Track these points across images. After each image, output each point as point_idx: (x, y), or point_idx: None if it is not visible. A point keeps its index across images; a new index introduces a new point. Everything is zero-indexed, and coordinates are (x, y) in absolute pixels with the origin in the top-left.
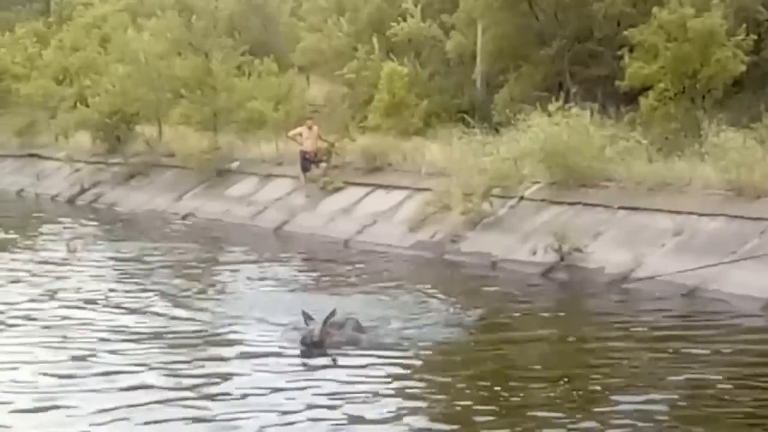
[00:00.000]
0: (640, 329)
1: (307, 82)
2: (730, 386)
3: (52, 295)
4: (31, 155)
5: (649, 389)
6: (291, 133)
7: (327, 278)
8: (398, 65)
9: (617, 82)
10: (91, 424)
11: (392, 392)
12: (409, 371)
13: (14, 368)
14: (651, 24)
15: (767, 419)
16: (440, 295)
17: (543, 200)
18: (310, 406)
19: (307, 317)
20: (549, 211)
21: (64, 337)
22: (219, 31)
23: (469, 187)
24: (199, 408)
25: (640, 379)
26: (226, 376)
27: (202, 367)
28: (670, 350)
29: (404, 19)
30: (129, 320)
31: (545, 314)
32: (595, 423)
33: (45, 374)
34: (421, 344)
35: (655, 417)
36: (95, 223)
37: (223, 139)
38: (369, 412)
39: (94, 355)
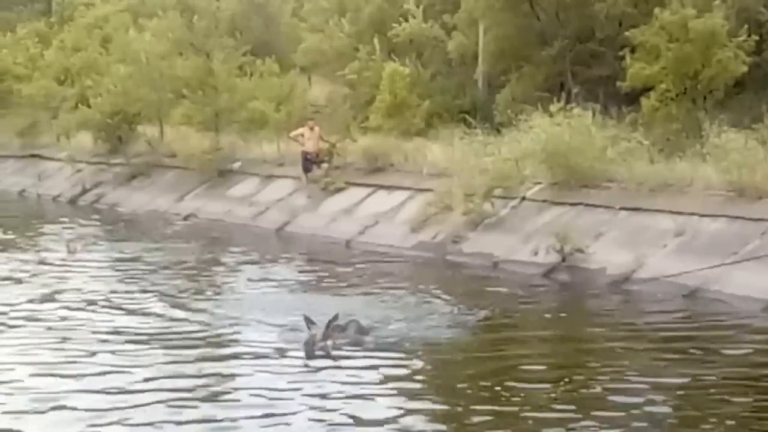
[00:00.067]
0: (642, 330)
1: (308, 83)
2: (731, 387)
3: (52, 295)
4: (33, 156)
5: (650, 390)
6: (292, 133)
7: (329, 279)
8: (400, 66)
9: (619, 83)
10: (91, 425)
11: (394, 393)
12: (410, 372)
13: (14, 369)
14: (652, 24)
15: None
16: (442, 296)
17: (544, 201)
18: (312, 408)
19: (309, 322)
20: (550, 212)
21: (64, 338)
22: (220, 32)
23: (471, 188)
24: (200, 409)
25: (641, 379)
26: (227, 377)
27: (203, 368)
28: (672, 351)
29: (406, 20)
30: (129, 321)
31: (547, 315)
32: (595, 423)
33: (45, 375)
34: (423, 345)
35: (656, 418)
36: (97, 223)
37: (224, 139)
38: (370, 412)
39: (94, 356)
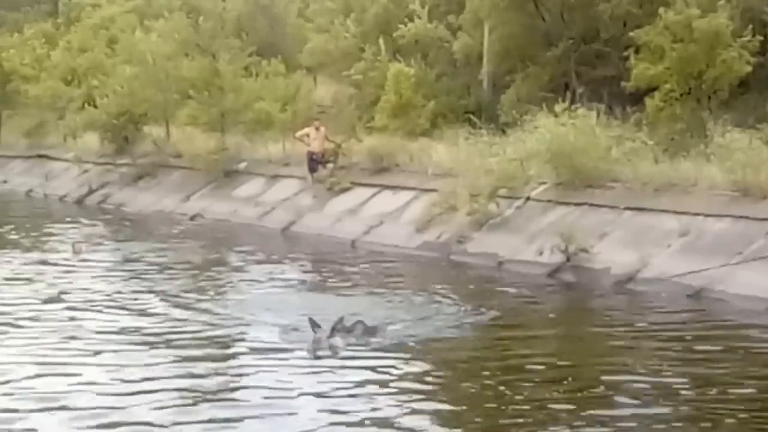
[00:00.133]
0: (646, 330)
1: (314, 83)
2: (736, 387)
3: (57, 295)
4: (40, 156)
5: (655, 390)
6: (298, 133)
7: (334, 279)
8: (405, 66)
9: (623, 83)
10: (97, 425)
11: (399, 392)
12: (415, 371)
13: (19, 368)
14: (657, 25)
15: None
16: (447, 296)
17: (549, 201)
18: (317, 407)
19: (314, 325)
20: (555, 212)
21: (69, 337)
22: (226, 32)
23: (476, 188)
24: (205, 409)
25: (645, 379)
26: (232, 377)
27: (209, 367)
28: (676, 351)
29: (411, 20)
30: (135, 321)
31: (551, 314)
32: (599, 423)
33: (49, 374)
34: (428, 345)
35: (660, 418)
36: (103, 223)
37: (230, 139)
38: (375, 412)
39: (99, 356)
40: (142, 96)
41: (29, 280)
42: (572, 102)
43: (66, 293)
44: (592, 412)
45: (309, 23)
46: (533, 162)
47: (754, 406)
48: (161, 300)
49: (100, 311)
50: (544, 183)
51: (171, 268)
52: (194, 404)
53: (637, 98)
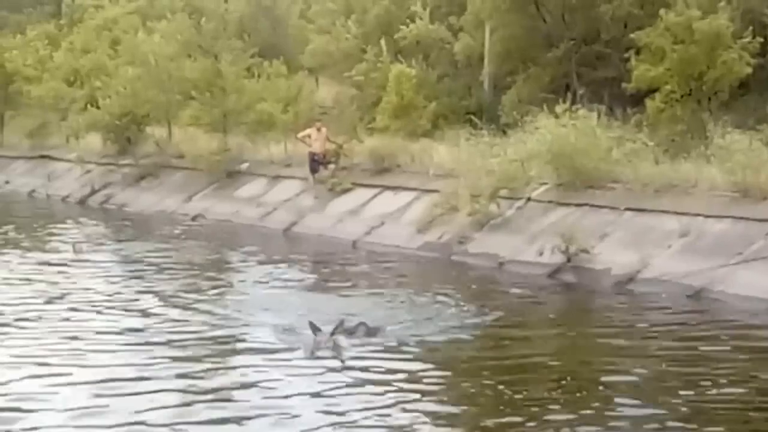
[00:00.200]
0: (646, 330)
1: (315, 84)
2: (736, 387)
3: (57, 295)
4: (43, 156)
5: (654, 390)
6: (300, 134)
7: (335, 279)
8: (406, 67)
9: (624, 84)
10: (98, 425)
11: (400, 393)
12: (416, 372)
13: (19, 368)
14: (657, 26)
15: None
16: (448, 296)
17: (550, 202)
18: (319, 408)
19: (315, 328)
20: (556, 213)
21: (69, 337)
22: (228, 34)
23: (477, 189)
24: (206, 409)
25: (644, 379)
26: (233, 378)
27: (210, 368)
28: (676, 351)
29: (412, 21)
30: (136, 321)
31: (552, 315)
32: (600, 423)
33: (49, 375)
34: (428, 345)
35: (660, 417)
36: (105, 224)
37: (232, 140)
38: (376, 413)
39: (99, 356)
40: (144, 97)
41: (30, 280)
42: (573, 103)
43: (67, 293)
44: (591, 412)
45: (311, 24)
46: (534, 163)
47: (754, 406)
48: (162, 300)
49: (100, 311)
50: (545, 184)
51: (172, 269)
52: (194, 405)
53: (637, 99)
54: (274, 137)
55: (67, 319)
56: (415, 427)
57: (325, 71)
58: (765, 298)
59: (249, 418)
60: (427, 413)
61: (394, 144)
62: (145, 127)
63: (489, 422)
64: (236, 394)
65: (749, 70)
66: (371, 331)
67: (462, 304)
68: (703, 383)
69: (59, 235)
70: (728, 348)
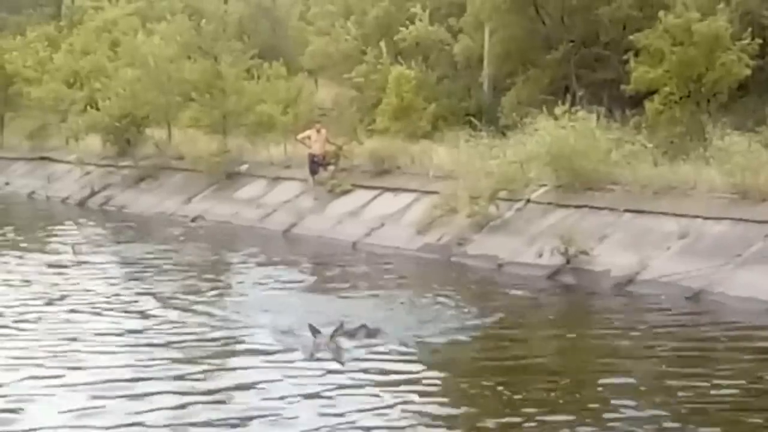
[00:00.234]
0: (645, 332)
1: (315, 86)
2: (735, 388)
3: (56, 297)
4: (42, 158)
5: (653, 391)
6: (300, 136)
7: (335, 281)
8: (406, 69)
9: (623, 86)
10: (97, 426)
11: (400, 394)
12: (415, 372)
13: (18, 370)
14: (657, 28)
15: None
16: (447, 298)
17: (549, 203)
18: (318, 410)
19: (315, 331)
20: (555, 214)
21: (68, 339)
22: (228, 35)
23: (476, 190)
24: (205, 410)
25: (643, 381)
26: (233, 379)
27: (209, 369)
28: (675, 352)
29: (412, 23)
30: (135, 323)
31: (551, 316)
32: (599, 425)
33: (48, 377)
34: (428, 347)
35: (660, 418)
36: (105, 225)
37: (232, 142)
38: (376, 414)
39: (98, 358)
40: (144, 98)
41: (29, 282)
42: (572, 105)
43: (66, 295)
44: (591, 412)
45: (310, 26)
46: (533, 164)
47: (753, 407)
48: (161, 302)
49: (99, 313)
50: (544, 185)
51: (172, 270)
52: (194, 406)
53: (636, 101)
54: (274, 139)
55: (67, 321)
56: (415, 428)
57: (325, 73)
58: (764, 300)
59: (248, 420)
60: (426, 414)
61: (393, 145)
62: (145, 129)
63: (489, 423)
64: (235, 396)
65: (748, 71)
66: (372, 333)
67: (461, 305)
68: (702, 384)
69: (59, 236)
70: (728, 349)
